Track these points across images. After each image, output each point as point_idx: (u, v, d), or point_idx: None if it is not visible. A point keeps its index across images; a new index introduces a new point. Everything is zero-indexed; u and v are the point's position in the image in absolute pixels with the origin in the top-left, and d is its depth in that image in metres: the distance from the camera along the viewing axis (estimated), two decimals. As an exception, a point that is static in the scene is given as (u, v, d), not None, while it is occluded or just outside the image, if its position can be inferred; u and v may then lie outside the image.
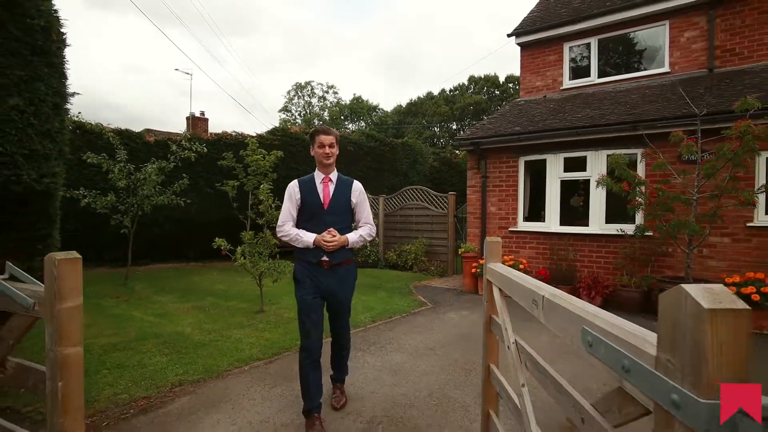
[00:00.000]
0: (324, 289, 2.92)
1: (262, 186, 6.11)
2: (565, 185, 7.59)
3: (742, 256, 5.88)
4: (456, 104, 34.31)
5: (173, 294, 7.33)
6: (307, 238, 2.88)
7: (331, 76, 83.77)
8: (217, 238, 5.80)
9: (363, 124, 40.71)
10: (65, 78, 3.08)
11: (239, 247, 5.90)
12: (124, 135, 9.71)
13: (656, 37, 8.18)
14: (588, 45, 8.79)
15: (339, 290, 2.97)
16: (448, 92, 37.04)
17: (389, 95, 73.14)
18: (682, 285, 0.77)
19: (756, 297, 5.12)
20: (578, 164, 7.25)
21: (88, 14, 69.33)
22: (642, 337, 0.94)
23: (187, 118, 19.70)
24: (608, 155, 6.40)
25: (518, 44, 9.59)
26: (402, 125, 35.88)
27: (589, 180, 7.05)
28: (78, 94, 4.01)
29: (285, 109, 43.57)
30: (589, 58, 8.82)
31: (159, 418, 3.09)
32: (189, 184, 8.57)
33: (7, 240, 2.83)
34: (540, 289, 1.49)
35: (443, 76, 69.91)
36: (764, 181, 5.63)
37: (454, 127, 35.12)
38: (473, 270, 7.51)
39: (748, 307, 0.72)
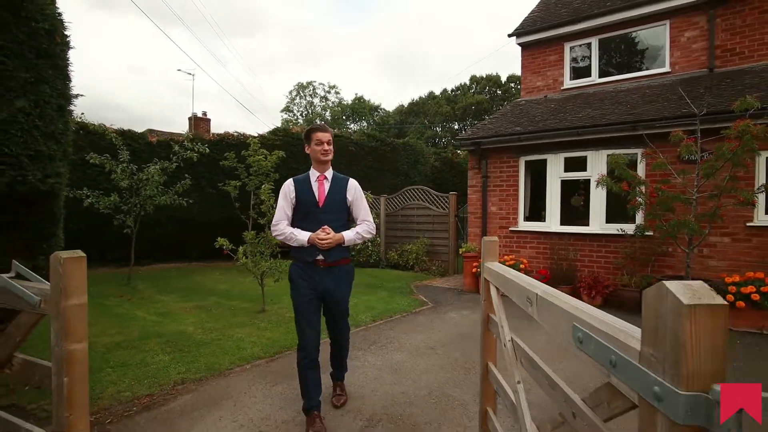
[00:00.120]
0: (320, 288, 2.89)
1: (263, 186, 6.15)
2: (566, 185, 7.61)
3: (742, 255, 5.89)
4: (458, 104, 34.32)
5: (176, 293, 7.38)
6: (302, 236, 2.85)
7: (333, 76, 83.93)
8: (219, 238, 5.85)
9: (365, 124, 40.76)
10: (69, 80, 3.13)
11: (241, 247, 5.95)
12: (127, 135, 9.78)
13: (657, 36, 8.18)
14: (589, 45, 8.81)
15: (335, 290, 2.92)
16: (449, 92, 37.04)
17: (391, 95, 73.20)
18: (664, 282, 0.80)
19: (756, 297, 5.14)
20: (579, 164, 7.27)
21: (90, 15, 69.58)
22: (628, 332, 0.97)
23: (190, 119, 19.76)
24: (608, 155, 6.41)
25: (519, 44, 9.60)
26: (404, 125, 35.91)
27: (589, 180, 7.07)
28: (81, 95, 4.06)
29: (287, 109, 43.68)
30: (589, 58, 8.84)
31: (162, 415, 3.13)
32: (191, 184, 8.63)
33: (14, 239, 2.88)
34: (534, 287, 1.52)
35: (445, 76, 69.93)
36: (764, 181, 5.65)
37: (456, 127, 35.13)
38: (474, 270, 7.53)
39: (725, 303, 0.75)
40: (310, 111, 43.08)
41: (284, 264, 5.97)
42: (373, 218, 10.50)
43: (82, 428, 1.48)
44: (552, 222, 7.53)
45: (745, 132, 4.68)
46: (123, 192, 7.90)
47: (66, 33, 3.00)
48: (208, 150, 8.79)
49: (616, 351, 0.95)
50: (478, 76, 36.46)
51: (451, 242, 9.96)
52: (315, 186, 2.96)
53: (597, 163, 6.98)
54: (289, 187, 2.98)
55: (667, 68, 7.91)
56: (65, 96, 3.02)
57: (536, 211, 8.22)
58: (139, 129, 11.06)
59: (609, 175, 6.14)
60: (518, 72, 9.94)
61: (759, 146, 4.93)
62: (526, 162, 7.91)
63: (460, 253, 8.42)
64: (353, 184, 3.08)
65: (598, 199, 7.02)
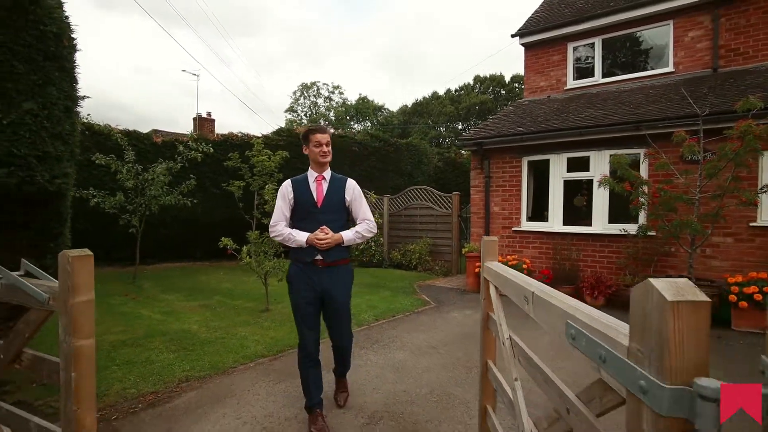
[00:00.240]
0: (319, 289, 2.86)
1: (267, 186, 6.20)
2: (569, 185, 7.61)
3: (745, 255, 5.88)
4: (462, 104, 34.29)
5: (180, 293, 7.45)
6: (300, 237, 2.82)
7: (337, 76, 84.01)
8: (223, 238, 5.90)
9: (369, 124, 40.80)
10: (76, 82, 3.19)
11: (245, 247, 6.00)
12: (132, 136, 9.86)
13: (660, 36, 8.17)
14: (592, 45, 8.80)
15: (334, 290, 2.88)
16: (453, 92, 37.03)
17: (395, 95, 73.28)
18: (650, 279, 0.83)
19: (759, 297, 5.13)
20: (581, 164, 7.27)
21: (94, 15, 70.04)
22: (617, 329, 1.00)
23: (194, 119, 19.88)
24: (611, 155, 6.42)
25: (522, 44, 9.61)
26: (408, 125, 35.93)
27: (592, 180, 7.07)
28: (88, 97, 4.12)
29: (291, 110, 43.79)
30: (593, 58, 8.83)
31: (166, 412, 3.18)
32: (195, 184, 8.69)
33: (22, 238, 2.94)
34: (530, 286, 1.55)
35: (449, 76, 70.03)
36: (767, 181, 5.63)
37: (460, 127, 35.10)
38: (477, 270, 7.55)
39: (708, 299, 0.78)
40: (314, 111, 43.18)
41: (287, 264, 6.00)
42: (377, 218, 10.48)
43: (89, 422, 1.51)
44: (555, 222, 7.54)
45: (747, 132, 4.68)
46: (128, 192, 7.98)
47: (73, 36, 3.06)
48: (212, 150, 8.85)
49: (605, 347, 0.98)
50: (481, 75, 36.42)
51: (454, 242, 9.98)
52: (313, 186, 2.94)
53: (600, 164, 6.98)
54: (287, 188, 2.96)
55: (670, 68, 7.90)
56: (72, 98, 3.08)
57: (539, 211, 8.23)
58: (145, 129, 11.17)
59: (612, 176, 6.15)
60: (522, 72, 9.94)
61: (762, 146, 4.93)
62: (529, 162, 7.92)
63: (463, 253, 8.44)
64: (351, 184, 3.04)
65: (600, 200, 7.02)
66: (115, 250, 9.80)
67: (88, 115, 9.83)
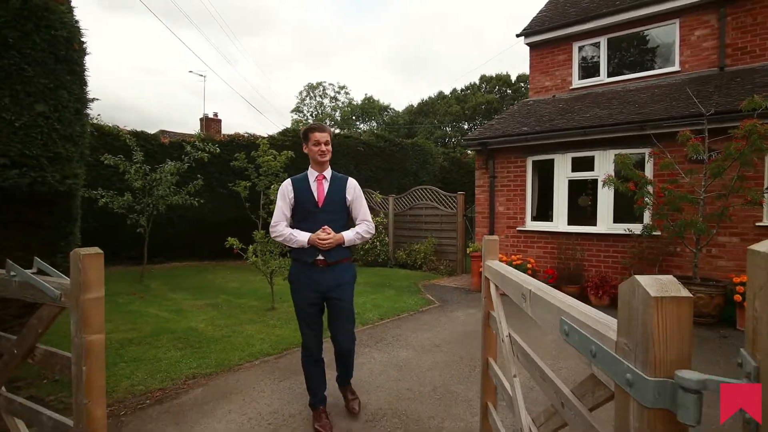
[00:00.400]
0: (320, 289, 2.84)
1: (273, 186, 6.26)
2: (573, 185, 7.60)
3: (751, 255, 5.84)
4: (467, 103, 34.24)
5: (187, 291, 7.53)
6: (301, 237, 2.79)
7: (343, 76, 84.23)
8: (229, 237, 5.97)
9: (374, 124, 40.86)
10: (86, 84, 3.26)
11: (251, 246, 6.06)
12: (140, 137, 9.97)
13: (666, 35, 8.14)
14: (597, 44, 8.78)
15: (336, 289, 2.85)
16: (459, 91, 36.99)
17: (400, 95, 73.34)
18: (636, 276, 0.86)
19: (764, 297, 5.10)
20: (586, 164, 7.26)
21: (100, 16, 70.64)
22: (607, 324, 1.03)
23: (201, 120, 20.03)
24: (616, 155, 6.41)
25: (527, 44, 9.60)
26: (413, 125, 35.93)
27: (596, 180, 7.06)
28: (97, 99, 4.20)
29: (297, 110, 43.96)
30: (598, 57, 8.81)
31: (174, 408, 3.24)
32: (202, 184, 8.78)
33: (34, 238, 3.01)
34: (527, 284, 1.58)
35: (454, 75, 69.91)
36: (774, 181, 5.61)
37: (466, 126, 35.06)
38: (481, 269, 7.55)
39: (690, 296, 0.81)
40: (320, 111, 43.31)
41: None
42: (381, 218, 10.42)
43: (99, 414, 1.57)
44: (559, 222, 7.54)
45: (752, 132, 4.67)
46: (136, 192, 8.08)
47: (83, 40, 3.14)
48: (218, 150, 8.94)
49: (595, 342, 1.01)
50: (487, 75, 36.36)
51: (459, 242, 9.99)
52: (314, 186, 2.91)
53: (604, 163, 6.97)
54: (287, 187, 2.93)
55: (676, 67, 7.86)
56: (82, 100, 3.15)
57: (543, 211, 8.23)
58: (152, 130, 11.30)
59: (616, 175, 6.14)
60: (528, 71, 9.93)
61: (767, 146, 4.90)
62: (534, 162, 7.92)
63: (468, 252, 8.46)
64: (352, 184, 3.01)
65: (605, 199, 7.01)
66: (123, 249, 9.92)
67: (98, 115, 9.98)
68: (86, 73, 3.26)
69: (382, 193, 11.49)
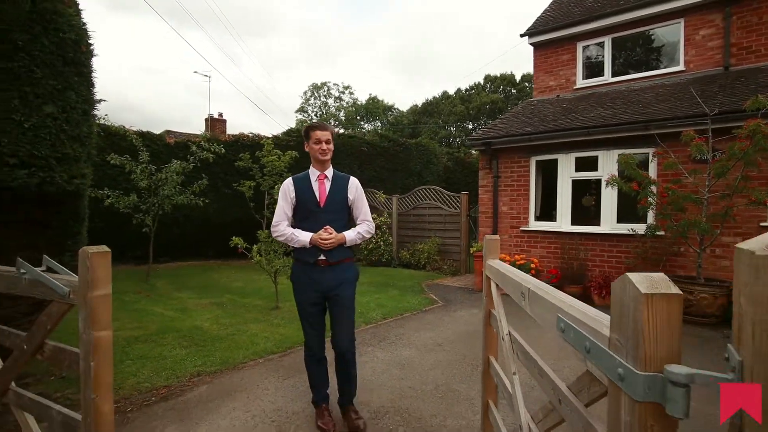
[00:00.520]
0: (322, 289, 2.83)
1: (277, 186, 6.30)
2: (577, 185, 7.60)
3: (756, 256, 5.82)
4: (472, 103, 34.20)
5: (192, 290, 7.59)
6: (303, 237, 2.78)
7: (348, 76, 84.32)
8: (234, 237, 6.01)
9: (379, 124, 40.89)
10: (93, 86, 3.32)
11: (255, 246, 6.11)
12: (146, 137, 10.04)
13: (671, 35, 8.12)
14: (602, 44, 8.77)
15: (338, 288, 2.83)
16: (464, 91, 36.95)
17: (405, 95, 73.36)
18: (627, 273, 0.88)
19: None
20: (590, 164, 7.26)
21: (105, 16, 71.10)
22: (601, 321, 1.05)
23: (206, 120, 20.14)
24: (619, 155, 6.40)
25: (531, 44, 9.60)
26: (418, 125, 35.93)
27: (600, 180, 7.06)
28: (104, 100, 4.27)
29: (301, 110, 44.07)
30: (602, 57, 8.80)
31: (179, 405, 3.28)
32: (207, 184, 8.84)
33: (42, 237, 3.07)
34: (526, 282, 1.60)
35: (456, 75, 69.83)
36: (778, 181, 5.58)
37: (470, 126, 35.01)
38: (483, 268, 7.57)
39: (680, 292, 0.83)
40: (324, 111, 43.39)
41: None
42: (386, 218, 10.43)
43: (107, 409, 1.60)
44: (563, 222, 7.54)
45: (756, 131, 4.66)
46: (142, 192, 8.15)
47: (90, 42, 3.20)
48: (223, 151, 9.00)
49: (590, 338, 1.03)
50: (492, 75, 36.30)
51: (463, 242, 10.00)
52: (315, 185, 2.88)
53: (608, 163, 6.96)
54: (288, 186, 2.91)
55: (681, 67, 7.84)
56: (89, 101, 3.20)
57: (547, 211, 8.23)
58: (157, 130, 11.37)
59: (620, 175, 6.14)
60: (532, 71, 9.93)
61: (772, 146, 4.89)
62: (537, 162, 7.92)
63: (471, 252, 8.47)
64: (354, 183, 2.99)
65: (609, 199, 7.00)
66: (128, 248, 10.00)
67: (105, 115, 10.05)
68: (93, 74, 3.32)
69: (385, 192, 11.52)
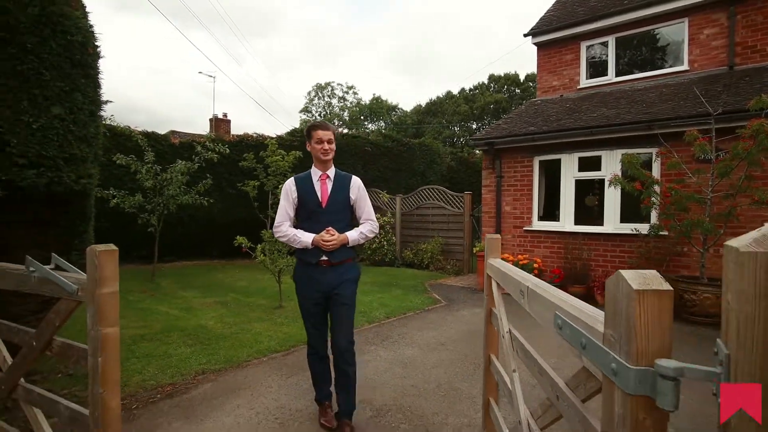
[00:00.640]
0: (324, 289, 2.82)
1: (280, 186, 6.34)
2: (580, 185, 7.59)
3: (760, 256, 5.80)
4: (476, 103, 34.17)
5: (197, 290, 7.65)
6: (305, 238, 2.77)
7: (352, 76, 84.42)
8: (238, 237, 6.06)
9: (383, 124, 40.92)
10: (99, 87, 3.37)
11: (259, 245, 6.15)
12: (151, 137, 10.12)
13: (675, 34, 8.10)
14: (605, 44, 8.76)
15: (339, 288, 2.81)
16: (468, 91, 36.91)
17: (409, 95, 73.39)
18: (621, 270, 0.91)
19: (772, 297, 5.08)
20: (593, 164, 7.26)
21: (110, 17, 71.51)
22: (596, 318, 1.08)
23: (211, 120, 20.24)
24: (623, 155, 6.40)
25: (535, 44, 9.60)
26: (421, 125, 35.93)
27: (603, 180, 7.06)
28: (110, 101, 4.32)
29: (305, 110, 44.16)
30: (606, 56, 8.78)
31: (184, 402, 3.32)
32: (212, 184, 8.90)
33: (50, 236, 3.12)
34: (525, 281, 1.63)
35: (457, 75, 69.79)
36: (783, 180, 5.56)
37: (474, 126, 34.97)
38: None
39: (671, 289, 0.85)
40: (328, 111, 43.47)
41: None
42: (389, 217, 10.42)
43: (114, 404, 1.64)
44: (566, 222, 7.54)
45: (759, 131, 4.65)
46: (147, 192, 8.21)
47: (96, 44, 3.25)
48: (228, 151, 9.05)
49: (585, 334, 1.06)
50: (496, 74, 36.25)
51: (466, 241, 10.02)
52: (317, 186, 2.87)
53: (611, 163, 6.96)
54: (290, 186, 2.89)
55: (685, 66, 7.82)
56: (96, 102, 3.25)
57: (550, 211, 8.23)
58: (162, 130, 11.46)
59: (623, 175, 6.13)
60: (536, 71, 9.92)
61: (775, 145, 4.88)
62: (540, 162, 7.92)
63: (475, 252, 8.49)
64: (356, 182, 2.97)
65: (612, 199, 7.00)
66: (134, 248, 10.07)
67: (111, 116, 10.14)
68: (100, 76, 3.37)
69: (389, 192, 11.54)
